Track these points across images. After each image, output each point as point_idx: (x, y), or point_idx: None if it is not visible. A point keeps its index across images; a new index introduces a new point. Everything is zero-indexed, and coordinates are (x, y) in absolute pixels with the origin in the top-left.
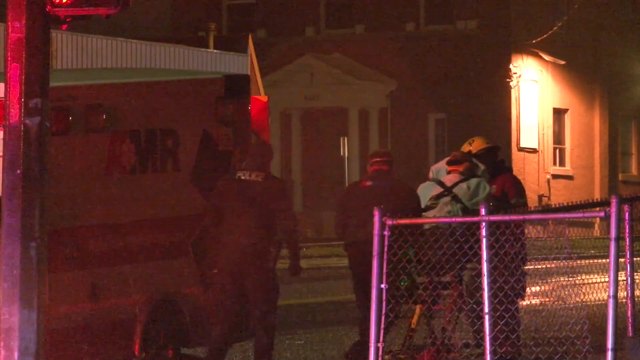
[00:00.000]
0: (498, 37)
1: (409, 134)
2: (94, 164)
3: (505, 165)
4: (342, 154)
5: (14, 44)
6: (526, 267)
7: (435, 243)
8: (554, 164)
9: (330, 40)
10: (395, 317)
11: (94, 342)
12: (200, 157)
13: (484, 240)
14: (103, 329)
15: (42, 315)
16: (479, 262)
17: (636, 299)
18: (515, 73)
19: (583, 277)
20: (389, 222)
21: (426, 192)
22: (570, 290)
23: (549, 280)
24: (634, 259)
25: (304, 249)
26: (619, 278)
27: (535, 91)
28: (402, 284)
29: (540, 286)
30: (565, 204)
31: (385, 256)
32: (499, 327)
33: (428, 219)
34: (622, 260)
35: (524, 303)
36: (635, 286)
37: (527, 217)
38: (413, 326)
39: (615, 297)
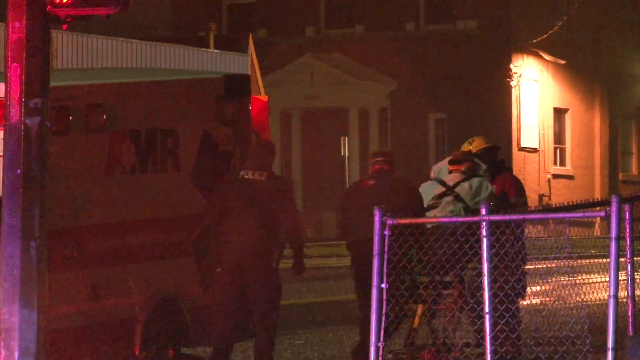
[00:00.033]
0: (498, 36)
1: (409, 134)
2: (94, 164)
3: (505, 165)
4: (342, 153)
5: (14, 44)
6: (527, 267)
7: (436, 242)
8: (555, 163)
9: (330, 40)
10: (402, 317)
11: (94, 342)
12: (200, 157)
13: (485, 239)
14: (103, 329)
15: (42, 315)
16: (480, 261)
17: (636, 299)
18: (516, 73)
19: (583, 276)
20: (390, 221)
21: (428, 191)
22: (571, 289)
23: (550, 280)
24: (635, 258)
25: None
26: (620, 277)
27: (535, 91)
28: (407, 277)
29: (540, 286)
30: (565, 204)
31: (385, 256)
32: (500, 326)
33: (428, 219)
34: (622, 259)
35: (525, 302)
36: (636, 286)
37: (527, 216)
38: (415, 326)
39: (616, 296)
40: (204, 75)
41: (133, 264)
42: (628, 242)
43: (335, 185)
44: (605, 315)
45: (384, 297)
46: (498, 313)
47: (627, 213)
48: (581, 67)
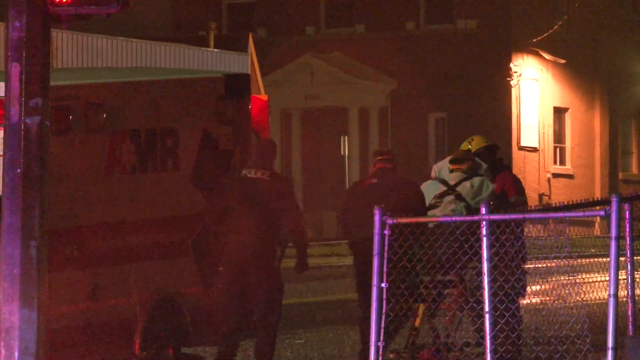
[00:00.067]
0: (498, 36)
1: (409, 134)
2: (94, 164)
3: (504, 164)
4: (342, 153)
5: (14, 44)
6: (526, 266)
7: (436, 242)
8: (555, 162)
9: (330, 40)
10: (404, 316)
11: (94, 342)
12: (200, 157)
13: (484, 239)
14: (103, 329)
15: (42, 315)
16: (480, 260)
17: (636, 298)
18: (516, 72)
19: (583, 276)
20: (390, 221)
21: (429, 190)
22: (571, 289)
23: (550, 279)
24: (635, 257)
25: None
26: (620, 277)
27: (535, 90)
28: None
29: (540, 285)
30: (565, 203)
31: (385, 255)
32: (500, 326)
33: (428, 218)
34: (622, 259)
35: (524, 302)
36: (636, 285)
37: (527, 216)
38: (416, 325)
39: (616, 296)
40: (204, 74)
41: (133, 264)
42: (628, 242)
43: (335, 185)
44: (605, 315)
45: (384, 296)
46: (498, 312)
47: (627, 212)
48: (581, 66)
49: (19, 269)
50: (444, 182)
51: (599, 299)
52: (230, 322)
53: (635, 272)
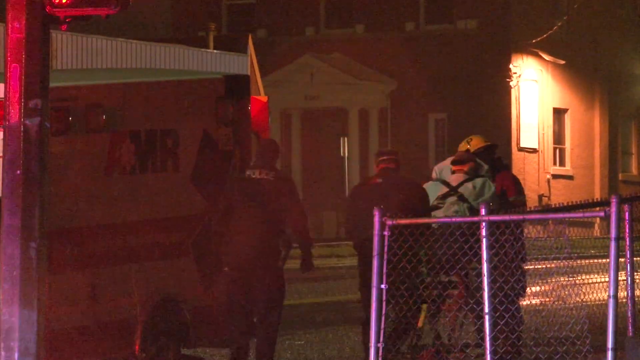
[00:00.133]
0: (498, 37)
1: (409, 134)
2: (94, 164)
3: (503, 163)
4: (342, 154)
5: (13, 44)
6: (526, 267)
7: (436, 243)
8: (554, 163)
9: (330, 40)
10: (413, 317)
11: (94, 342)
12: (200, 157)
13: (484, 240)
14: (103, 329)
15: (42, 316)
16: (480, 261)
17: (636, 299)
18: (515, 73)
19: (583, 277)
20: (389, 222)
21: (431, 191)
22: (570, 290)
23: (549, 280)
24: (634, 258)
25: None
26: (619, 278)
27: (535, 91)
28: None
29: (540, 286)
30: (565, 204)
31: (385, 256)
32: (499, 327)
33: (427, 219)
34: (622, 260)
35: (524, 303)
36: (635, 286)
37: (527, 216)
38: (420, 325)
39: (616, 296)
40: (203, 75)
41: (133, 264)
42: (628, 243)
43: (335, 185)
44: (604, 316)
45: (384, 297)
46: (498, 313)
47: (627, 213)
48: (581, 67)
49: (18, 270)
50: (445, 183)
51: (599, 300)
52: (237, 323)
53: (635, 273)
